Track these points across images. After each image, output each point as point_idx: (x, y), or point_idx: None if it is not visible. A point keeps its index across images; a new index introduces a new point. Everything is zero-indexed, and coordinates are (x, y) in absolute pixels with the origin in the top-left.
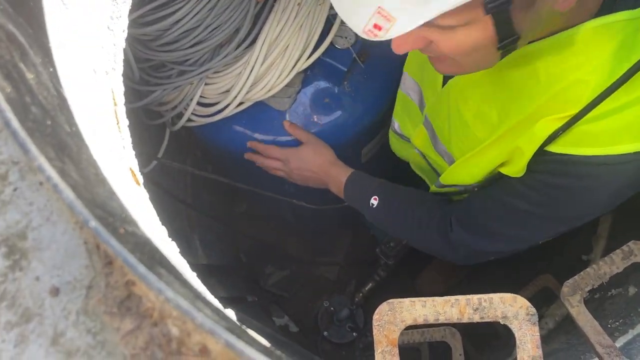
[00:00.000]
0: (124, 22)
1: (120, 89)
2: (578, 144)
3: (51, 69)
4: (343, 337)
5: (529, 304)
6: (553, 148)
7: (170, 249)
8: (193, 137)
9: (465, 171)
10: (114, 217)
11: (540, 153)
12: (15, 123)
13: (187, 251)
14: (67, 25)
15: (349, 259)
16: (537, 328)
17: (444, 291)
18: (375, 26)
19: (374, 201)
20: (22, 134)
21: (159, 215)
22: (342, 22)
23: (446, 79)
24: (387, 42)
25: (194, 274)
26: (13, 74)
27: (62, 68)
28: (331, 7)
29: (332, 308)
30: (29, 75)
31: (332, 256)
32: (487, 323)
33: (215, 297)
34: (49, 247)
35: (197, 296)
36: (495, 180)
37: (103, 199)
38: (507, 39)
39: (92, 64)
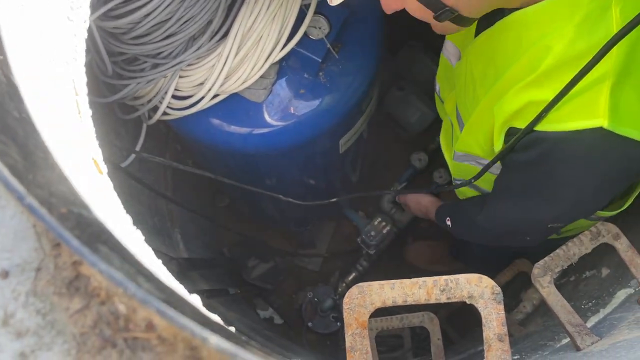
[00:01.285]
0: (85, 12)
1: (83, 79)
2: (543, 122)
3: (1, 57)
4: (327, 327)
5: (494, 283)
6: (517, 124)
7: (131, 235)
8: (172, 131)
9: (471, 137)
10: (57, 199)
11: (514, 132)
12: None
13: (168, 245)
14: (23, 14)
15: (332, 250)
16: (502, 307)
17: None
18: None
19: (448, 222)
20: None
21: (136, 208)
22: (315, 13)
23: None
24: (361, 32)
25: (159, 261)
26: None
27: (14, 56)
28: None
29: (316, 299)
30: None
31: (315, 248)
32: (471, 310)
33: (196, 290)
34: None
35: (139, 271)
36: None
37: (49, 181)
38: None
39: (49, 54)
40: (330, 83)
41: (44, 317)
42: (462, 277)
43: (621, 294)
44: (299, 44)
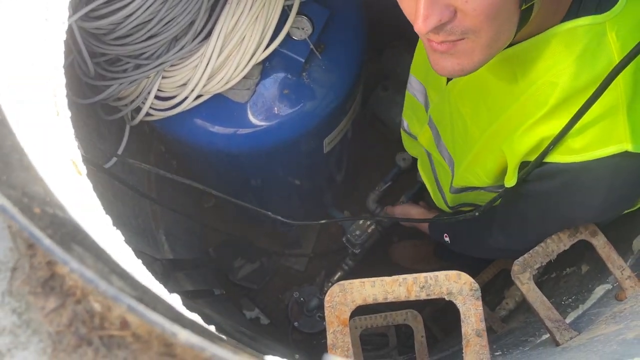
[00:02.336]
0: (64, 13)
1: (62, 80)
2: (558, 153)
3: None
4: (314, 327)
5: (472, 280)
6: (532, 159)
7: (110, 236)
8: (156, 131)
9: (470, 174)
10: (31, 199)
11: (525, 165)
12: None
13: (152, 246)
14: None
15: (318, 250)
16: (480, 302)
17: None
18: None
19: (446, 238)
20: None
21: (120, 209)
22: (298, 13)
23: (449, 80)
24: (344, 32)
25: (139, 261)
26: None
27: None
28: None
29: (302, 299)
30: None
31: (301, 247)
32: (455, 308)
33: (181, 290)
34: None
35: (112, 270)
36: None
37: (24, 182)
38: None
39: (27, 55)
40: (313, 83)
41: (20, 316)
42: (442, 274)
43: (599, 290)
44: (282, 44)
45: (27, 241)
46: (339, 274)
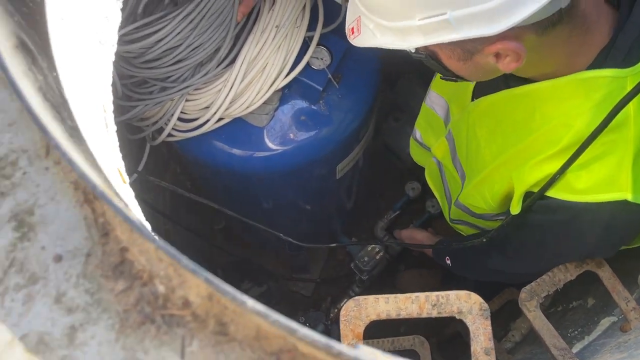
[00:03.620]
0: (114, 37)
1: (109, 97)
2: (563, 190)
3: (54, 74)
4: None
5: (482, 300)
6: (536, 190)
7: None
8: (172, 152)
9: (477, 193)
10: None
11: (529, 195)
12: (37, 109)
13: None
14: (65, 37)
15: (325, 275)
16: (489, 322)
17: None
18: (352, 30)
19: (448, 261)
20: (43, 119)
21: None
22: (318, 44)
23: (474, 99)
24: (360, 63)
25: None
26: (29, 75)
27: (63, 74)
28: (308, 30)
29: (307, 324)
30: (39, 77)
31: (309, 272)
32: (458, 335)
33: None
34: (53, 222)
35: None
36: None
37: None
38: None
39: (85, 73)
40: (329, 111)
41: (92, 296)
42: (452, 294)
43: (605, 322)
44: (301, 73)
45: (102, 231)
46: (345, 300)
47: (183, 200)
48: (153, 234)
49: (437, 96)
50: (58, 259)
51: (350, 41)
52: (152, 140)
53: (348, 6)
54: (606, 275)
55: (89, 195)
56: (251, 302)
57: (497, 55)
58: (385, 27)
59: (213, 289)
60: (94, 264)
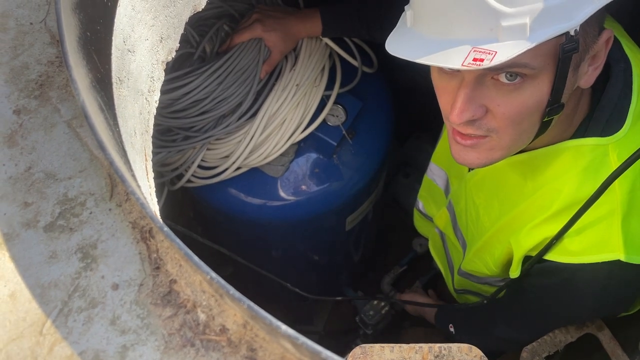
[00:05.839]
0: (157, 95)
1: (150, 147)
2: (559, 253)
3: (117, 129)
4: None
5: (482, 353)
6: (534, 254)
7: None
8: (187, 197)
9: (478, 260)
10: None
11: (527, 259)
12: (111, 154)
13: None
14: (121, 97)
15: (329, 328)
16: None
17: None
18: (475, 60)
19: (451, 328)
20: (117, 163)
21: None
22: (334, 103)
23: (470, 170)
24: (373, 122)
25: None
26: (107, 133)
27: (122, 129)
28: (326, 89)
29: None
30: (109, 133)
31: (313, 324)
32: None
33: None
34: (112, 255)
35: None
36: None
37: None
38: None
39: (134, 127)
40: (342, 165)
41: (142, 320)
42: (455, 346)
43: None
44: (317, 128)
45: (154, 265)
46: (352, 346)
47: (194, 245)
48: (208, 268)
49: (437, 168)
50: (115, 287)
51: (487, 66)
52: (171, 185)
53: (443, 41)
54: (606, 338)
55: (145, 234)
56: (284, 327)
57: (594, 58)
58: (544, 10)
59: (252, 314)
60: (145, 293)
